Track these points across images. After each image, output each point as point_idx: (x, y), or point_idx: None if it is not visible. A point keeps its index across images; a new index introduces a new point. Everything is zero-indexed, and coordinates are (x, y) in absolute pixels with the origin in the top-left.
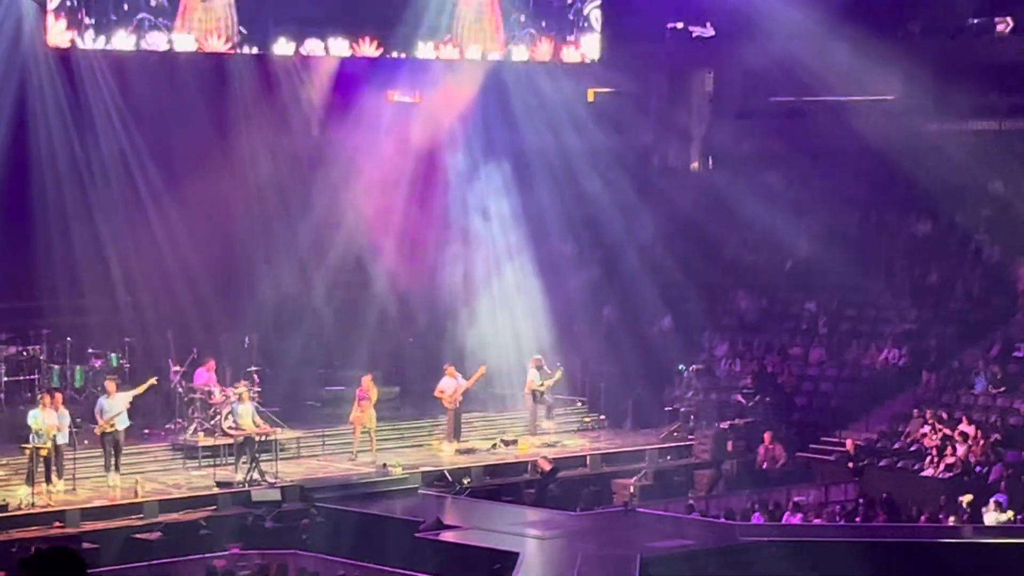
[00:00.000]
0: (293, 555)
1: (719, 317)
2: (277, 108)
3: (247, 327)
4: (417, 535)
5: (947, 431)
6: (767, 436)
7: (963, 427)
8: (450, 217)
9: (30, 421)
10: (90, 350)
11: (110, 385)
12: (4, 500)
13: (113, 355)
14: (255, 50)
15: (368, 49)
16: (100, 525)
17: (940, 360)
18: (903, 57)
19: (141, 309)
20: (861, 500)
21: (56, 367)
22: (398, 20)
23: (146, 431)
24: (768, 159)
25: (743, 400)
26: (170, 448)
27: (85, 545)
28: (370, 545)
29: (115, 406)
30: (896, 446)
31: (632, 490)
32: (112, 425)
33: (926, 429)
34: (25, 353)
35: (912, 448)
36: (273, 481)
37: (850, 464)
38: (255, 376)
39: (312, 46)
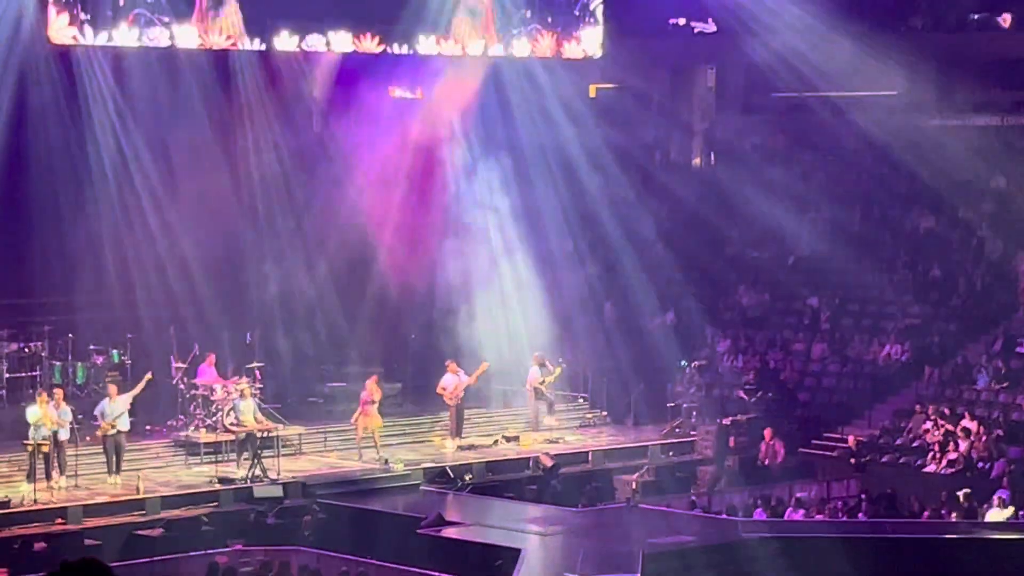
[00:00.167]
0: (295, 551)
1: (721, 313)
2: (278, 104)
3: (249, 323)
4: (419, 531)
5: (950, 427)
6: (767, 432)
7: (966, 423)
8: (451, 213)
9: (29, 417)
10: (92, 346)
11: (111, 388)
12: (6, 496)
13: (115, 351)
14: (257, 46)
15: (370, 45)
16: (102, 522)
17: (943, 356)
18: (905, 52)
19: (143, 305)
20: (863, 496)
21: (58, 363)
22: (399, 16)
23: (148, 427)
24: (770, 154)
25: (745, 396)
26: (172, 444)
27: (87, 542)
28: (372, 541)
29: (116, 408)
30: (898, 442)
31: (634, 486)
32: (114, 427)
33: (928, 425)
34: (27, 350)
35: (915, 444)
36: (275, 477)
37: (852, 460)
38: (257, 372)
39: (314, 41)
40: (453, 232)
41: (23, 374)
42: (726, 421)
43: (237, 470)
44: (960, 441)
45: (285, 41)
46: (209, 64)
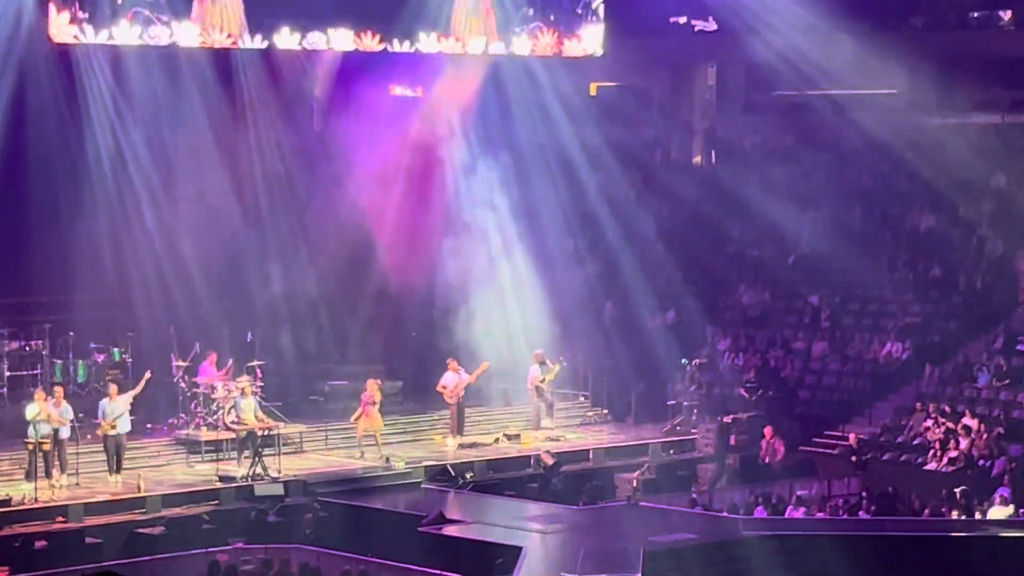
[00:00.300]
0: (296, 549)
1: (722, 311)
2: (279, 102)
3: (249, 322)
4: (420, 529)
5: (950, 425)
6: (768, 431)
7: (966, 421)
8: (452, 212)
9: (27, 415)
10: (92, 345)
11: (112, 388)
12: (7, 495)
13: (116, 350)
14: (257, 44)
15: (370, 42)
16: (103, 520)
17: (943, 354)
18: (906, 51)
19: (143, 304)
20: (864, 494)
21: (59, 362)
22: (400, 13)
23: (149, 426)
24: (771, 153)
25: (746, 394)
26: (173, 443)
27: (88, 540)
28: (373, 539)
29: (117, 408)
30: (899, 440)
31: (635, 484)
32: (114, 427)
33: (929, 423)
34: (28, 348)
35: (915, 442)
36: (276, 475)
37: (853, 458)
38: (258, 371)
39: (314, 39)
40: (454, 231)
41: (24, 372)
42: (727, 419)
43: (238, 468)
44: (961, 439)
45: (286, 39)
46: (209, 62)
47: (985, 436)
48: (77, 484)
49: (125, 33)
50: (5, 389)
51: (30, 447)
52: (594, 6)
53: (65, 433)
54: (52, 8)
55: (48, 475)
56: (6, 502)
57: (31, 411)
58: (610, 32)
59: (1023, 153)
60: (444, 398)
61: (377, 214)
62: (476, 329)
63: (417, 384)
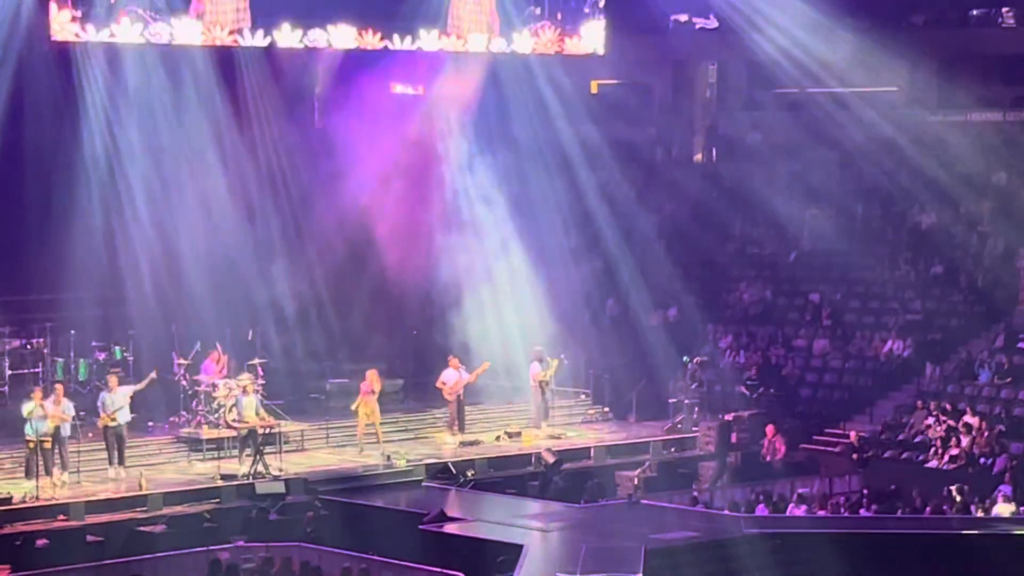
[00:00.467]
0: (297, 547)
1: (723, 309)
2: (279, 99)
3: (251, 320)
4: (421, 527)
5: (951, 422)
6: (770, 429)
7: (967, 418)
8: (453, 209)
9: (23, 413)
10: (94, 343)
11: (112, 379)
12: (8, 493)
13: (117, 348)
14: (258, 41)
15: (372, 39)
16: (104, 518)
17: (945, 351)
18: (907, 49)
19: (144, 302)
20: (865, 492)
21: (60, 360)
22: (402, 10)
23: (150, 424)
24: (772, 150)
25: (747, 392)
26: (174, 441)
27: (89, 538)
28: (374, 538)
29: (116, 400)
30: (900, 437)
31: (636, 482)
32: (114, 419)
33: (930, 420)
34: (29, 346)
35: (916, 440)
36: (277, 474)
37: (854, 456)
38: (259, 368)
39: (315, 36)
40: (455, 228)
41: (25, 371)
42: (728, 417)
43: (239, 466)
44: (962, 437)
45: (287, 36)
46: (210, 60)
47: (986, 434)
48: (78, 482)
49: (126, 31)
50: (7, 387)
51: (31, 445)
52: (596, 4)
53: (66, 431)
54: (53, 6)
55: (48, 473)
56: (7, 500)
57: (26, 408)
58: (611, 30)
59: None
60: (443, 394)
61: (378, 212)
62: (477, 327)
63: (418, 382)
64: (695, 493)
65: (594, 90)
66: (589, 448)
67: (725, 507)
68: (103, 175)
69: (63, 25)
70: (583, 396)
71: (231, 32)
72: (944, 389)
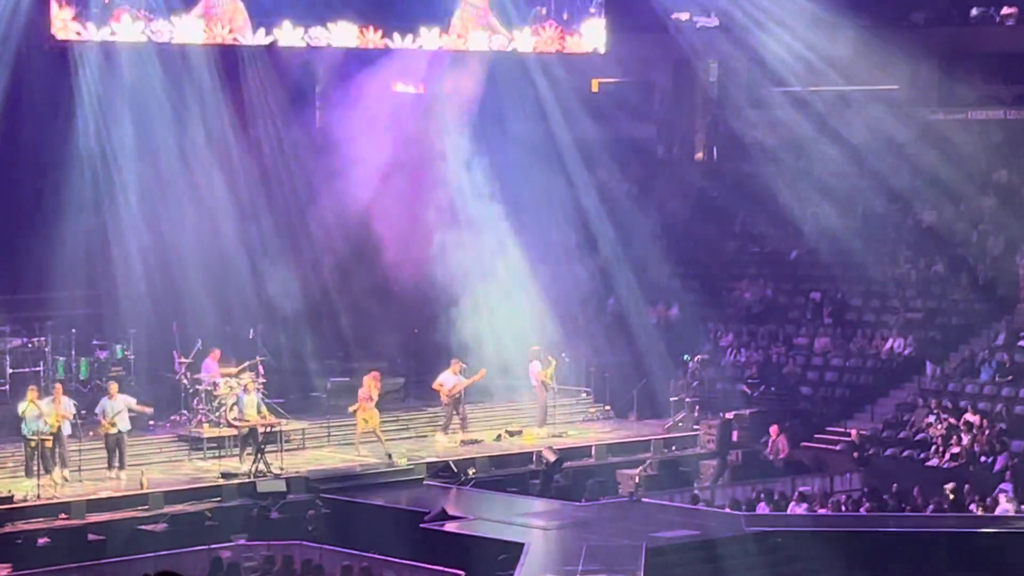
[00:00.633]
0: (298, 546)
1: (724, 307)
2: (280, 97)
3: (252, 318)
4: (422, 526)
5: (952, 420)
6: (774, 429)
7: (968, 416)
8: (454, 207)
9: (18, 411)
10: (95, 341)
11: (112, 387)
12: (9, 492)
13: (118, 346)
14: (260, 39)
15: (373, 37)
16: (106, 517)
17: (945, 349)
18: (908, 47)
19: (145, 300)
20: (866, 490)
21: (61, 359)
22: (403, 9)
23: (151, 423)
24: (773, 149)
25: (748, 390)
26: (175, 439)
27: (90, 537)
28: (375, 536)
29: (116, 406)
30: (901, 436)
31: (637, 480)
32: (114, 425)
33: (931, 419)
34: (30, 345)
35: (917, 438)
36: (278, 472)
37: (855, 454)
38: (260, 367)
39: (316, 34)
40: (456, 226)
41: (26, 369)
42: (729, 415)
43: (240, 465)
44: (963, 435)
45: (288, 34)
46: (211, 58)
47: (987, 432)
48: (80, 481)
49: (127, 29)
50: (7, 386)
51: (32, 444)
52: (597, 2)
53: (67, 428)
54: (54, 5)
55: (48, 472)
56: (8, 499)
57: (20, 407)
58: (612, 28)
59: None
60: (440, 396)
61: (379, 210)
62: (477, 325)
63: (419, 380)
64: (696, 491)
65: (595, 88)
66: (590, 446)
67: (726, 505)
68: (104, 173)
69: (65, 23)
70: (584, 394)
71: (232, 30)
72: (945, 387)
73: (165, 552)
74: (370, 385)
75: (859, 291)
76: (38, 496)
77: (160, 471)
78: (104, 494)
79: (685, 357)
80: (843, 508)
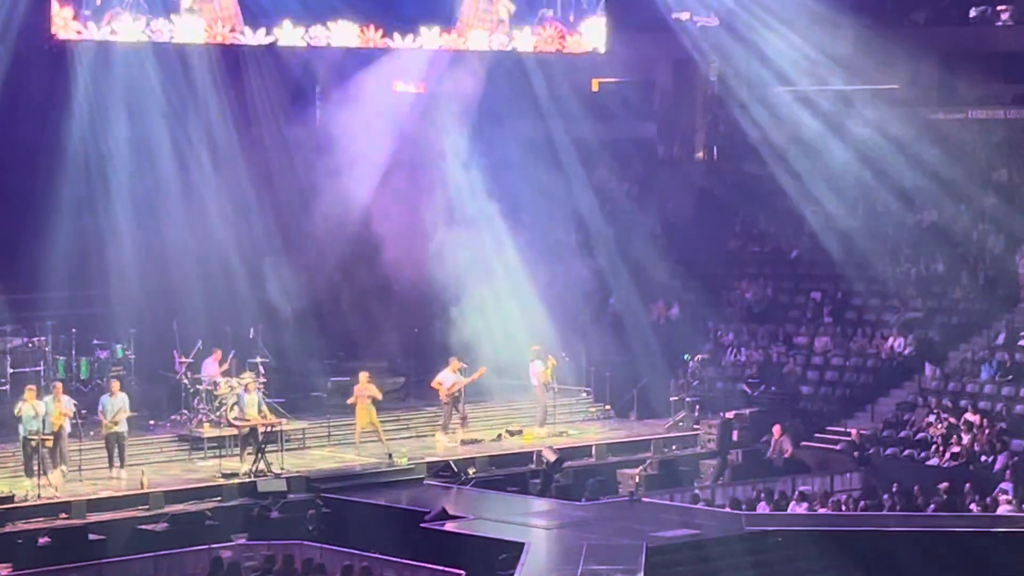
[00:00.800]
0: (299, 545)
1: (724, 306)
2: (281, 97)
3: (252, 318)
4: (422, 525)
5: (952, 420)
6: (776, 429)
7: (968, 416)
8: (454, 206)
9: (14, 411)
10: (95, 341)
11: (114, 384)
12: (10, 491)
13: (118, 346)
14: (260, 39)
15: (373, 36)
16: (106, 516)
17: (945, 349)
18: (908, 46)
19: (146, 300)
20: (866, 489)
21: (61, 359)
22: (403, 8)
23: (152, 422)
24: (773, 148)
25: (748, 390)
26: (176, 439)
27: (91, 536)
28: (375, 535)
29: (116, 404)
30: (902, 435)
31: (637, 480)
32: (115, 423)
33: (931, 418)
34: (30, 344)
35: (917, 437)
36: (279, 472)
37: (855, 453)
38: (260, 367)
39: (317, 34)
40: (456, 225)
41: (27, 369)
42: (729, 415)
43: (241, 464)
44: (963, 434)
45: (288, 33)
46: (212, 57)
47: (987, 431)
48: (80, 481)
49: (128, 28)
50: (8, 386)
51: (33, 443)
52: (597, 2)
53: (67, 427)
54: (54, 4)
55: (46, 472)
56: (9, 498)
57: (16, 407)
58: (612, 27)
59: None
60: (439, 394)
61: (379, 210)
62: (477, 324)
63: (420, 380)
64: (696, 491)
65: (595, 88)
66: (590, 446)
67: (726, 505)
68: (104, 173)
69: (66, 22)
70: (584, 394)
71: (232, 29)
72: (945, 387)
73: (165, 552)
74: (367, 387)
75: (859, 291)
76: (38, 496)
77: (155, 471)
78: (104, 494)
79: (685, 356)
80: (843, 508)
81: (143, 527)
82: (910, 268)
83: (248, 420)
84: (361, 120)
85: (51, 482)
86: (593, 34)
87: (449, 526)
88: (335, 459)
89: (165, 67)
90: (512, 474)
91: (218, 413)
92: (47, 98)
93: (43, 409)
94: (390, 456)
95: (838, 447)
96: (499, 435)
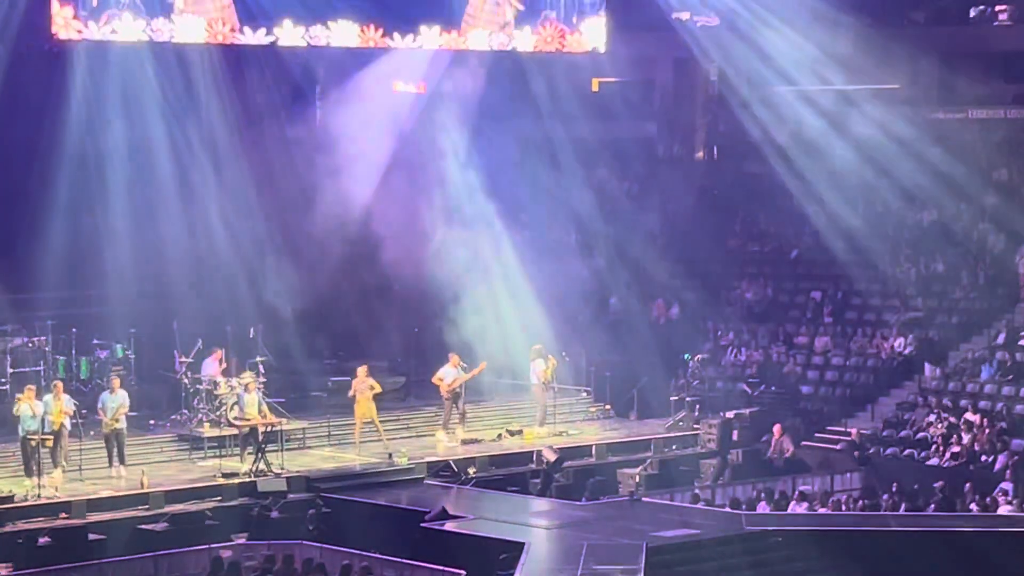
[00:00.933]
0: (299, 545)
1: (724, 306)
2: (282, 96)
3: (252, 318)
4: (422, 525)
5: (953, 420)
6: (777, 429)
7: (969, 416)
8: (454, 206)
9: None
10: (95, 341)
11: (115, 381)
12: (10, 491)
13: (118, 346)
14: (260, 39)
15: (374, 36)
16: (106, 516)
17: (945, 349)
18: (907, 46)
19: (146, 300)
20: (867, 489)
21: (61, 358)
22: (404, 7)
23: (152, 422)
24: (772, 148)
25: (748, 389)
26: (176, 439)
27: (91, 536)
28: (376, 535)
29: (116, 400)
30: (902, 435)
31: (637, 480)
32: (116, 420)
33: (932, 418)
34: (30, 344)
35: (918, 437)
36: (279, 472)
37: (856, 453)
38: (260, 367)
39: (317, 33)
40: (456, 225)
41: (27, 369)
42: (730, 414)
43: (241, 464)
44: (963, 434)
45: (289, 33)
46: (212, 57)
47: (987, 431)
48: (80, 480)
49: (128, 28)
50: (8, 386)
51: (32, 443)
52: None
53: (67, 425)
54: (55, 3)
55: (41, 473)
56: (9, 498)
57: (14, 407)
58: (612, 27)
59: None
60: (440, 391)
61: (379, 209)
62: (478, 324)
63: (420, 379)
64: (696, 491)
65: (595, 87)
66: (590, 446)
67: (727, 504)
68: (104, 171)
69: (67, 21)
70: (584, 394)
71: (233, 28)
72: (945, 386)
73: (165, 552)
74: (362, 377)
75: (859, 290)
76: (38, 496)
77: (155, 470)
78: (104, 494)
79: (685, 356)
80: (843, 507)
81: (143, 527)
82: (910, 268)
83: (248, 420)
84: (361, 120)
85: (51, 479)
86: (593, 33)
87: (449, 526)
88: (335, 459)
89: (165, 67)
90: (512, 474)
91: (218, 413)
92: (47, 97)
93: (41, 409)
94: (390, 456)
95: (838, 447)
96: (499, 435)
